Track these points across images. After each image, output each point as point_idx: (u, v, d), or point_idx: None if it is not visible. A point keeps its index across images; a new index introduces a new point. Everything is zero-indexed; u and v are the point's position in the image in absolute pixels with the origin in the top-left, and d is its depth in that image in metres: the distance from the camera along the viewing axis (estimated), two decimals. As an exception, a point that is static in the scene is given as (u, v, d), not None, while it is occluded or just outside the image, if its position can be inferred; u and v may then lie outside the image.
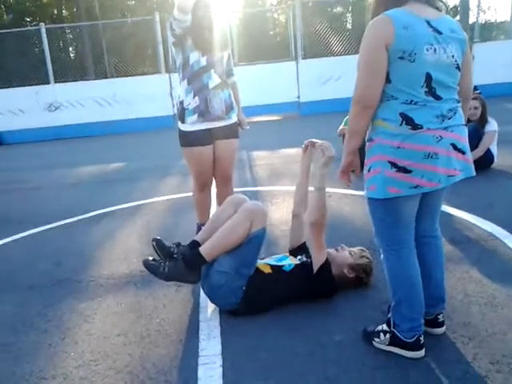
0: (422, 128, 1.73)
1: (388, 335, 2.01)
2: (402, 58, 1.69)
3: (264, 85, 10.99)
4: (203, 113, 2.93)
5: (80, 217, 4.49)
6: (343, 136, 5.45)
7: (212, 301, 2.52)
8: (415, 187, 1.78)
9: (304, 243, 2.78)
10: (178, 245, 2.62)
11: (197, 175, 3.14)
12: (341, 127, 5.53)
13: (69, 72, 13.38)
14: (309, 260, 2.57)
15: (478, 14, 12.88)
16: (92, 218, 4.43)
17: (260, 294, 2.43)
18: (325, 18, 14.50)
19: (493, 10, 14.70)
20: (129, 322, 2.49)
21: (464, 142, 1.83)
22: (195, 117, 2.93)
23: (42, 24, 11.51)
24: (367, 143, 1.87)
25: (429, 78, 1.72)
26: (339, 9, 20.51)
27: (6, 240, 4.02)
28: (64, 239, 3.91)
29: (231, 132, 3.09)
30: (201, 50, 2.88)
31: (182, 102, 2.97)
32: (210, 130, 2.99)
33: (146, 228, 4.02)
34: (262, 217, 2.44)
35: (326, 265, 2.48)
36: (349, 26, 19.26)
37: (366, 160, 1.89)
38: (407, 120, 1.73)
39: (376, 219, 1.97)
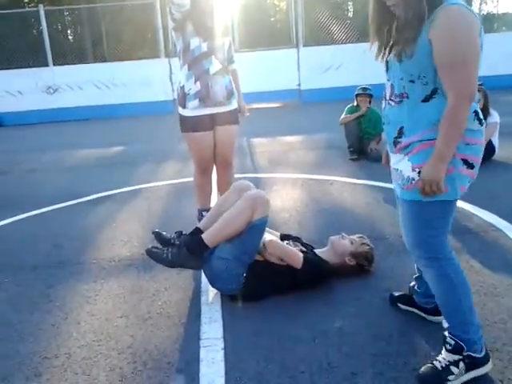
0: (483, 123, 1.69)
1: (462, 363, 1.76)
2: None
3: (265, 72, 10.92)
4: (204, 98, 2.94)
5: (80, 199, 4.49)
6: (345, 125, 5.46)
7: (213, 286, 2.53)
8: (469, 182, 1.71)
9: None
10: (180, 234, 2.63)
11: (198, 160, 3.16)
12: (343, 116, 5.52)
13: (67, 55, 13.25)
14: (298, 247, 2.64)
15: (481, 4, 12.80)
16: (92, 201, 4.43)
17: (261, 281, 2.45)
18: (326, 5, 14.37)
19: (495, 1, 14.57)
20: (131, 304, 2.51)
21: None
22: (196, 102, 2.94)
23: (41, 5, 11.36)
24: (427, 142, 1.64)
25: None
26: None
27: (6, 221, 4.01)
28: (64, 221, 3.91)
29: (232, 118, 3.11)
30: (202, 35, 2.89)
31: (183, 87, 2.97)
32: (210, 115, 3.00)
33: (147, 212, 4.02)
34: (264, 205, 2.43)
35: (307, 263, 2.48)
36: (350, 14, 19.11)
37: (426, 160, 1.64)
38: (477, 115, 1.66)
39: (426, 225, 1.75)
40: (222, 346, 2.09)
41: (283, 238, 2.79)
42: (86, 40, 17.88)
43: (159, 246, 2.61)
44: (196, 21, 2.86)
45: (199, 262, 2.45)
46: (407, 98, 1.67)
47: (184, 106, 2.99)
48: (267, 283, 2.46)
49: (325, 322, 2.23)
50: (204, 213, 3.11)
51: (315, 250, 2.70)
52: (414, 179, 1.68)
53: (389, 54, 1.71)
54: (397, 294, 2.34)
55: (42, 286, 2.76)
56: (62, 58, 11.97)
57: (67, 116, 11.25)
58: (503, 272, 2.56)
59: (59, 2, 22.34)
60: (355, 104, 5.49)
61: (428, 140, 1.65)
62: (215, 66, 2.94)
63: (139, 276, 2.81)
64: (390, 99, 1.74)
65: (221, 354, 2.03)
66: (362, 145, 5.42)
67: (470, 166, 1.68)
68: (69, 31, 21.74)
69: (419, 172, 1.66)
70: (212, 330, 2.22)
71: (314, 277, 2.49)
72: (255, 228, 2.41)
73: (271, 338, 2.13)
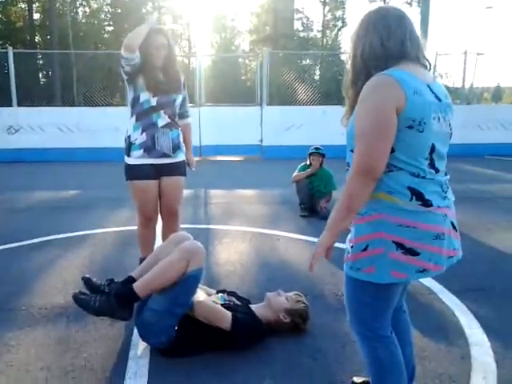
0: (432, 205, 1.52)
1: None
2: (411, 127, 1.48)
3: (229, 126, 11.17)
4: (149, 149, 3.00)
5: (22, 242, 4.34)
6: (296, 182, 5.59)
7: (143, 338, 2.46)
8: (421, 271, 1.55)
9: None
10: (111, 281, 2.57)
11: (140, 209, 3.15)
12: (295, 173, 5.66)
13: (35, 97, 13.22)
14: (231, 303, 2.61)
15: (435, 78, 13.65)
16: (35, 245, 4.30)
17: (192, 336, 2.40)
18: (293, 68, 15.05)
19: (450, 76, 15.57)
20: (55, 354, 2.40)
21: (455, 218, 1.66)
22: (141, 152, 3.00)
23: (10, 48, 11.43)
24: (359, 217, 1.58)
25: (433, 149, 1.54)
26: (308, 61, 21.33)
27: None
28: (1, 265, 3.76)
29: (177, 169, 3.15)
30: (151, 90, 2.95)
31: (129, 137, 3.04)
32: (155, 165, 3.05)
33: (89, 259, 3.92)
34: (199, 256, 2.41)
35: (237, 325, 2.42)
36: (316, 77, 20.03)
37: (357, 236, 1.59)
38: (417, 195, 1.51)
39: (360, 304, 1.68)
40: (145, 403, 2.02)
41: (218, 292, 2.77)
42: (55, 84, 17.98)
43: (88, 292, 2.53)
44: (146, 76, 2.94)
45: (128, 312, 2.39)
46: (348, 167, 1.62)
47: (129, 155, 3.04)
48: (198, 340, 2.41)
49: (254, 381, 2.19)
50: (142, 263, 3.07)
51: (251, 306, 2.68)
52: (348, 252, 1.64)
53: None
54: (358, 380, 2.13)
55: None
56: (29, 100, 11.91)
57: (27, 157, 11.06)
58: (433, 336, 2.61)
59: (32, 45, 22.59)
60: (308, 163, 5.65)
61: (361, 215, 1.57)
62: (163, 119, 3.02)
63: (69, 325, 2.71)
64: (346, 167, 1.66)
65: (141, 412, 1.96)
66: (313, 202, 5.53)
67: (410, 251, 1.52)
68: (40, 74, 21.84)
69: (352, 246, 1.61)
70: (136, 386, 2.14)
71: (244, 337, 2.44)
72: (189, 280, 2.38)
73: (195, 395, 2.07)
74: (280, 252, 4.14)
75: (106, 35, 28.49)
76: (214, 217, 5.59)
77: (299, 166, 5.71)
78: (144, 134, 2.98)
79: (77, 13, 27.70)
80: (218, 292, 2.77)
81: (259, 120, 11.53)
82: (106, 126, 11.05)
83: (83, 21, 27.71)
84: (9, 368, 2.27)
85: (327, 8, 28.60)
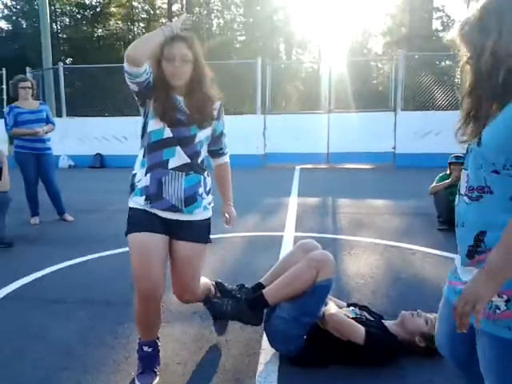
0: None
1: None
2: None
3: (359, 133, 10.95)
4: (152, 198, 2.18)
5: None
6: (434, 194, 5.24)
7: (272, 345, 2.48)
8: None
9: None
10: (242, 287, 2.62)
11: (137, 273, 2.14)
12: (433, 185, 5.31)
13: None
14: (363, 318, 2.51)
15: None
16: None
17: (321, 348, 2.37)
18: (430, 70, 14.22)
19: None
20: (191, 351, 2.53)
21: None
22: (142, 199, 2.20)
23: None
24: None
25: None
26: (448, 62, 20.03)
27: (91, 257, 4.29)
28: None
29: (193, 232, 2.25)
30: (165, 121, 2.15)
31: (134, 176, 2.27)
32: (161, 217, 2.21)
33: (220, 262, 4.10)
34: (329, 267, 2.36)
35: (371, 340, 2.33)
36: (457, 80, 18.72)
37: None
38: None
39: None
40: (273, 409, 2.04)
41: (350, 305, 2.69)
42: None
43: (220, 296, 2.62)
44: (155, 99, 2.16)
45: (258, 318, 2.42)
46: (490, 193, 1.26)
47: (129, 196, 2.28)
48: (327, 351, 2.37)
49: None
50: (145, 347, 2.28)
51: (384, 321, 2.56)
52: (498, 308, 1.26)
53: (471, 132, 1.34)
54: None
55: (111, 322, 2.90)
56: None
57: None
58: None
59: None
60: (448, 172, 5.27)
61: None
62: (178, 158, 2.18)
63: (202, 324, 2.84)
64: (466, 193, 1.34)
65: (270, 418, 1.98)
66: (453, 215, 5.11)
67: None
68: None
69: (507, 300, 1.24)
70: (265, 391, 2.17)
71: (378, 353, 2.34)
72: (318, 290, 2.35)
73: (324, 410, 2.03)
74: (415, 267, 3.90)
75: (237, 45, 29.88)
76: (342, 227, 5.48)
77: (438, 177, 5.35)
78: (149, 175, 2.19)
79: (212, 24, 29.52)
80: (348, 305, 2.69)
81: (392, 126, 11.12)
82: (235, 134, 11.48)
83: (217, 32, 29.40)
84: (150, 360, 2.44)
85: (471, 4, 26.66)
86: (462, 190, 1.36)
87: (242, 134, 11.73)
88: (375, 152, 11.20)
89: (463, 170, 1.38)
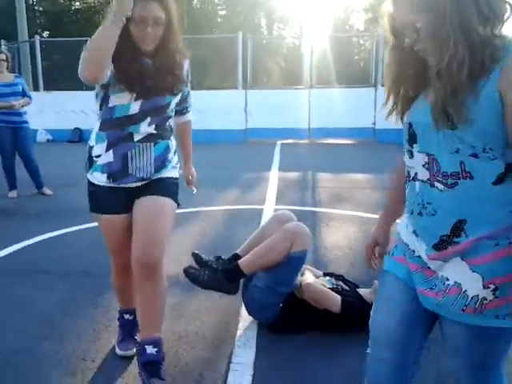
0: None
1: None
2: None
3: (341, 108, 10.96)
4: (117, 175, 1.98)
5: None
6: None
7: (249, 313, 2.54)
8: None
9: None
10: (219, 258, 2.65)
11: (111, 250, 2.16)
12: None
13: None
14: (339, 287, 2.58)
15: None
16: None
17: (297, 315, 2.43)
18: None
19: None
20: (169, 320, 2.56)
21: None
22: (104, 177, 2.00)
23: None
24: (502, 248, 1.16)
25: None
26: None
27: (70, 229, 4.28)
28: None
29: (160, 187, 2.04)
30: (132, 91, 1.88)
31: (90, 148, 2.04)
32: (125, 188, 2.03)
33: (200, 234, 4.13)
34: (304, 238, 2.40)
35: (346, 308, 2.41)
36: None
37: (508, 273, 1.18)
38: None
39: (502, 359, 1.32)
40: (252, 372, 2.10)
41: (326, 274, 2.75)
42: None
43: (197, 267, 2.65)
44: (119, 68, 1.85)
45: (234, 287, 2.46)
46: (470, 178, 1.16)
47: (87, 170, 2.08)
48: (304, 319, 2.43)
49: (360, 362, 2.15)
50: (126, 315, 2.32)
51: (358, 290, 2.63)
52: (485, 299, 1.18)
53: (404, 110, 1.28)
54: None
55: (91, 292, 2.91)
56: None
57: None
58: None
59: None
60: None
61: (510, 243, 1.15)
62: (144, 130, 1.96)
63: (182, 293, 2.88)
64: (436, 179, 1.20)
65: (248, 380, 2.04)
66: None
67: None
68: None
69: (495, 289, 1.17)
70: (244, 355, 2.23)
71: (353, 321, 2.40)
72: (293, 261, 2.39)
73: (302, 373, 2.10)
74: (393, 239, 3.97)
75: (219, 19, 29.39)
76: (322, 200, 5.54)
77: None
78: (111, 151, 1.96)
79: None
80: (325, 275, 2.74)
81: (373, 102, 11.14)
82: (216, 109, 11.43)
83: (198, 6, 28.82)
84: (130, 328, 2.47)
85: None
86: (425, 176, 1.22)
87: (224, 109, 11.67)
88: (356, 127, 11.26)
89: (417, 153, 1.24)
